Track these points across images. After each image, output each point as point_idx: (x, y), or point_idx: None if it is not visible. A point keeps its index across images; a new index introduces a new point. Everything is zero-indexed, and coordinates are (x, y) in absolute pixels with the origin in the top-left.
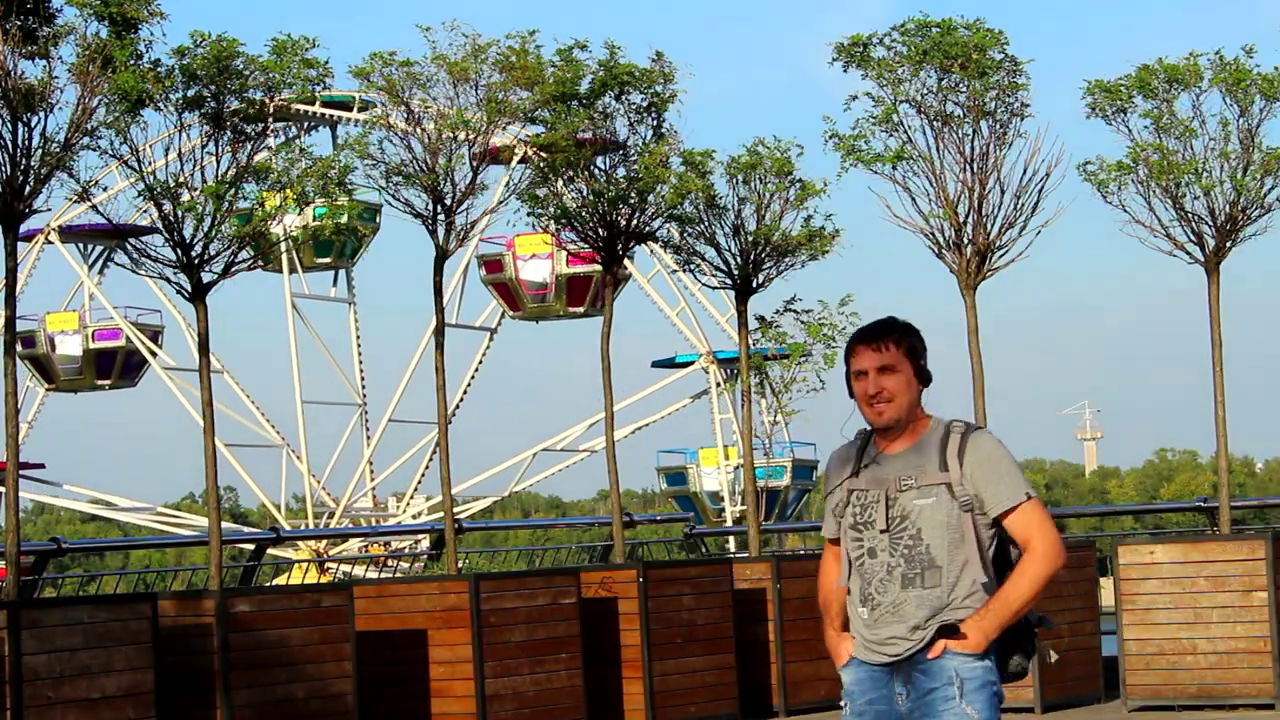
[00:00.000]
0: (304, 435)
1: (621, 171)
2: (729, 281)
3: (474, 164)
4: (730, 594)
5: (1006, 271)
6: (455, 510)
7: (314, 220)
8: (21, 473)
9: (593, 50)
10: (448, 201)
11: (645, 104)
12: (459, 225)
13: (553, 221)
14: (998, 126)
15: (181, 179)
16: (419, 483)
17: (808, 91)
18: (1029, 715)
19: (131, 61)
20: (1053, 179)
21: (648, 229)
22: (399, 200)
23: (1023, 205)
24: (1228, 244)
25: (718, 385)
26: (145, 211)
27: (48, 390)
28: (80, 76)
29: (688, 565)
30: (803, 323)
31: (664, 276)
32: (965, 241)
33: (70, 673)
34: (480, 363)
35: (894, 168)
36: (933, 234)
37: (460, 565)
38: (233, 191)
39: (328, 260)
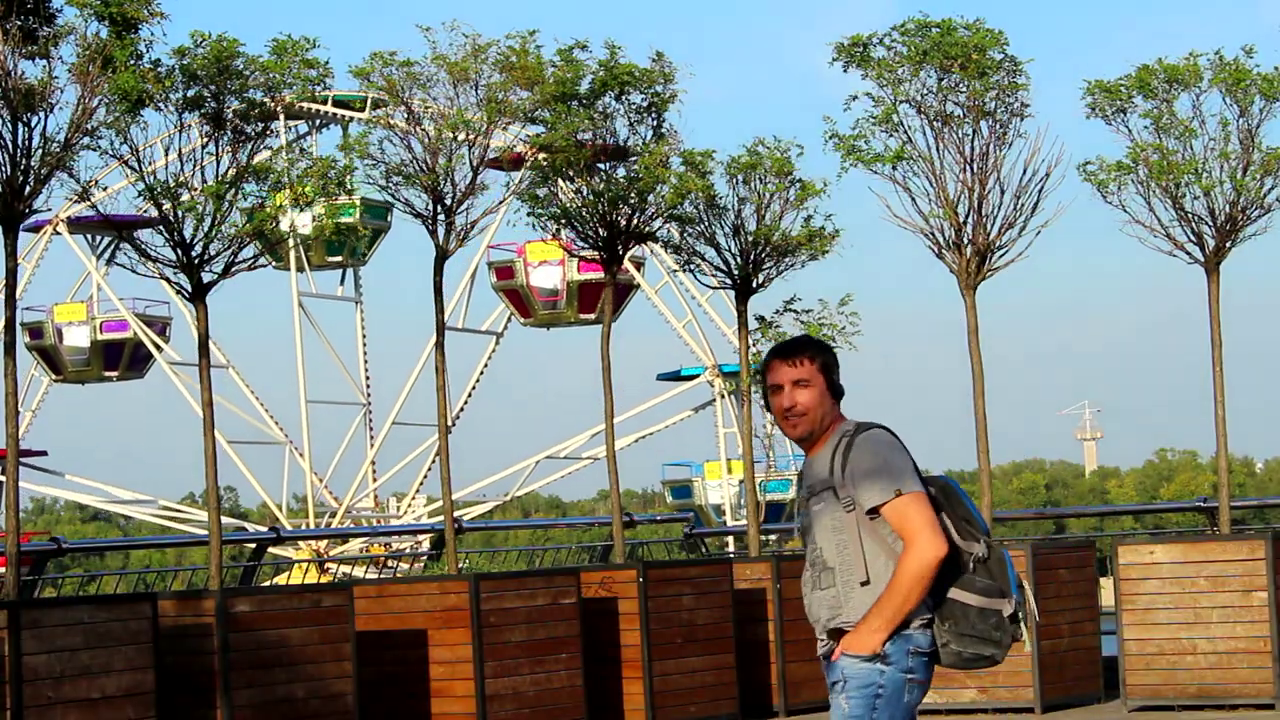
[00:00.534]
0: (307, 433)
1: (621, 172)
2: (729, 281)
3: (474, 165)
4: (730, 594)
5: (1006, 271)
6: (455, 513)
7: (327, 218)
8: (23, 460)
9: (593, 50)
10: (448, 201)
11: (645, 104)
12: (459, 225)
13: (552, 221)
14: (998, 126)
15: (182, 179)
16: (421, 484)
17: (808, 91)
18: (1029, 715)
19: (131, 61)
20: (1053, 179)
21: (648, 229)
22: (399, 200)
23: (1023, 205)
24: (1228, 244)
25: (722, 398)
26: (145, 211)
27: (56, 381)
28: (80, 76)
29: (688, 565)
30: (803, 323)
31: (672, 288)
32: (965, 241)
33: (70, 673)
34: (485, 367)
35: (894, 168)
36: (933, 234)
37: (460, 565)
38: (233, 191)
39: (339, 259)
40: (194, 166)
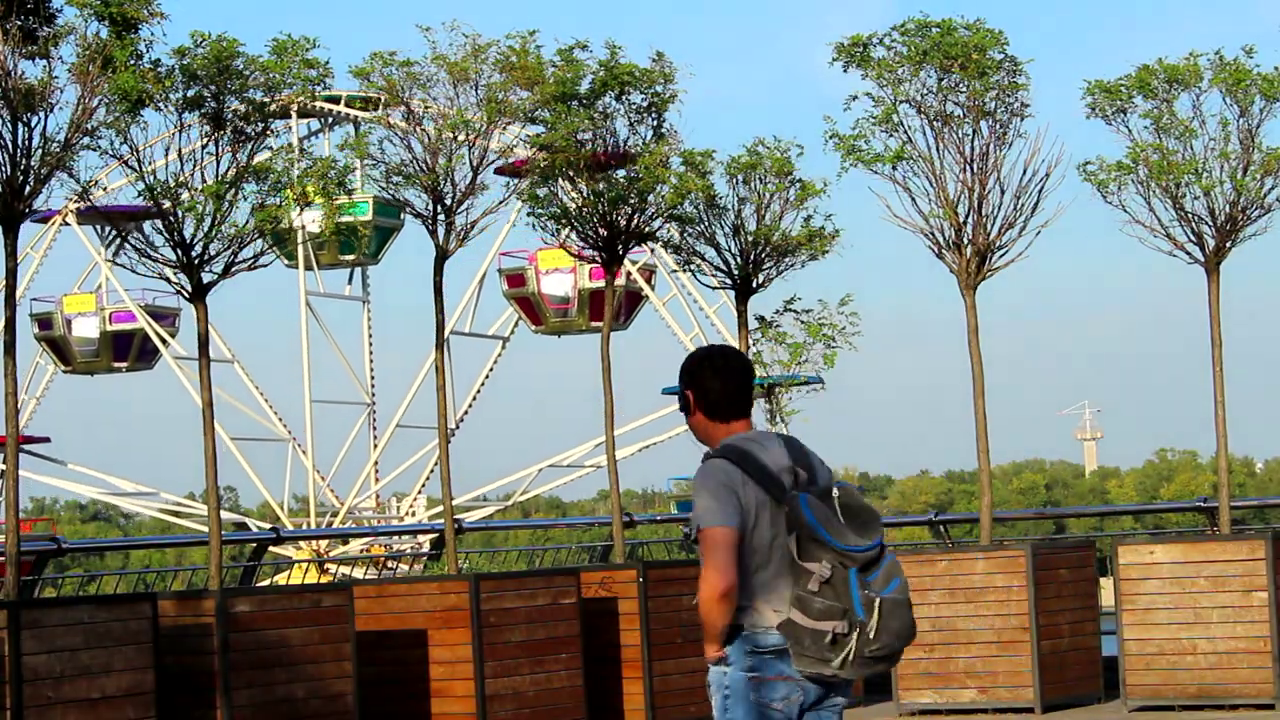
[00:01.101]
0: (311, 431)
1: (621, 172)
2: (729, 281)
3: (474, 165)
4: None
5: (1006, 271)
6: (456, 516)
7: (340, 217)
8: (26, 447)
9: (593, 50)
10: (448, 201)
11: (645, 104)
12: (459, 225)
13: (553, 221)
14: (998, 126)
15: (181, 179)
16: (423, 486)
17: (808, 91)
18: (1029, 715)
19: (131, 61)
20: (1053, 179)
21: (648, 229)
22: (399, 200)
23: (1023, 205)
24: (1228, 244)
25: None
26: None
27: (65, 372)
28: (80, 76)
29: (688, 565)
30: (803, 323)
31: (680, 301)
32: (965, 241)
33: (70, 673)
34: (491, 371)
35: (894, 168)
36: (933, 234)
37: (460, 565)
38: (233, 192)
39: (352, 257)
40: (194, 166)
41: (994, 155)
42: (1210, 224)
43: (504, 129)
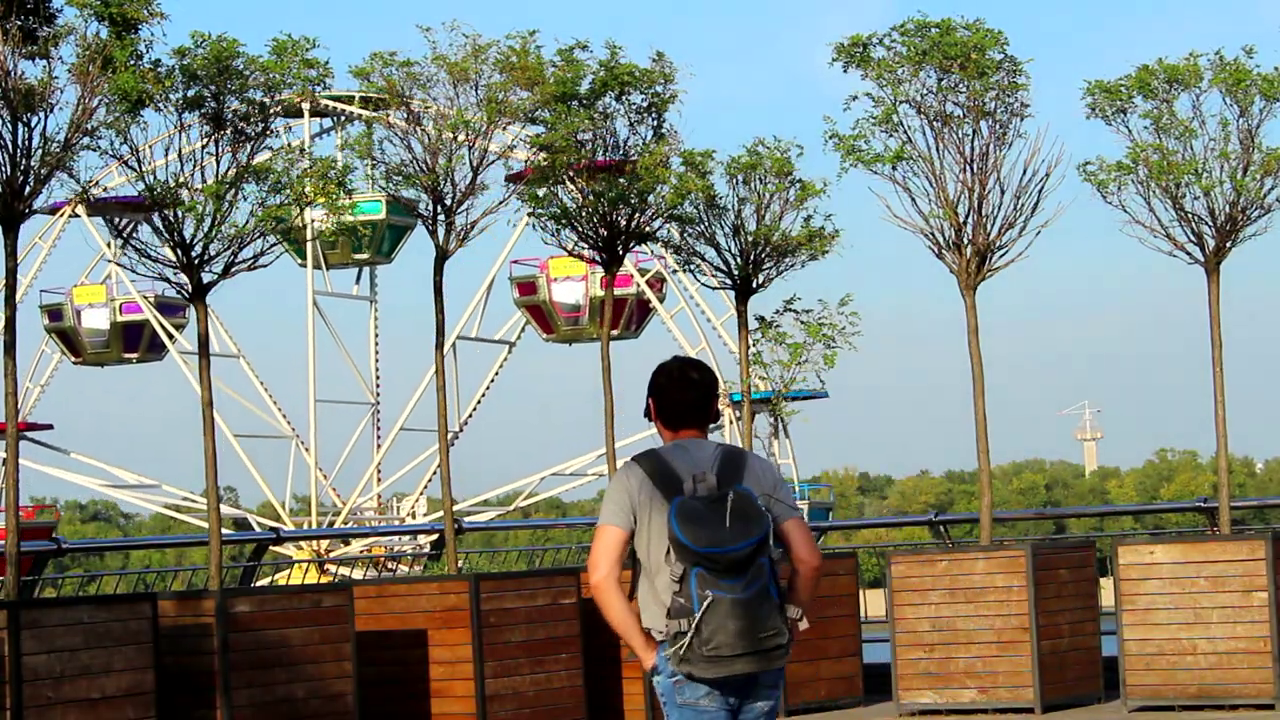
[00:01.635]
0: (314, 430)
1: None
2: (729, 281)
3: (474, 165)
4: None
5: (1006, 271)
6: (456, 518)
7: (352, 216)
8: (26, 434)
9: (593, 50)
10: (448, 201)
11: (645, 104)
12: (459, 225)
13: (553, 221)
14: (998, 126)
15: (181, 179)
16: (424, 488)
17: (808, 91)
18: (1029, 715)
19: (131, 62)
20: (1053, 179)
21: (648, 229)
22: (398, 200)
23: (1023, 205)
24: (1228, 244)
25: (731, 423)
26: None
27: (75, 363)
28: (80, 77)
29: None
30: (803, 323)
31: (688, 314)
32: (965, 241)
33: (70, 673)
34: (496, 375)
35: (894, 168)
36: (933, 234)
37: (460, 566)
38: (233, 192)
39: (364, 256)
40: (194, 167)
41: (994, 155)
42: (1210, 224)
43: (504, 129)
